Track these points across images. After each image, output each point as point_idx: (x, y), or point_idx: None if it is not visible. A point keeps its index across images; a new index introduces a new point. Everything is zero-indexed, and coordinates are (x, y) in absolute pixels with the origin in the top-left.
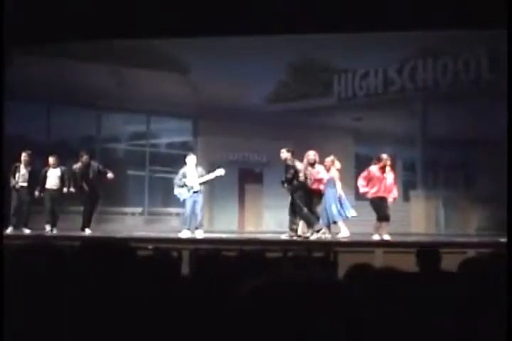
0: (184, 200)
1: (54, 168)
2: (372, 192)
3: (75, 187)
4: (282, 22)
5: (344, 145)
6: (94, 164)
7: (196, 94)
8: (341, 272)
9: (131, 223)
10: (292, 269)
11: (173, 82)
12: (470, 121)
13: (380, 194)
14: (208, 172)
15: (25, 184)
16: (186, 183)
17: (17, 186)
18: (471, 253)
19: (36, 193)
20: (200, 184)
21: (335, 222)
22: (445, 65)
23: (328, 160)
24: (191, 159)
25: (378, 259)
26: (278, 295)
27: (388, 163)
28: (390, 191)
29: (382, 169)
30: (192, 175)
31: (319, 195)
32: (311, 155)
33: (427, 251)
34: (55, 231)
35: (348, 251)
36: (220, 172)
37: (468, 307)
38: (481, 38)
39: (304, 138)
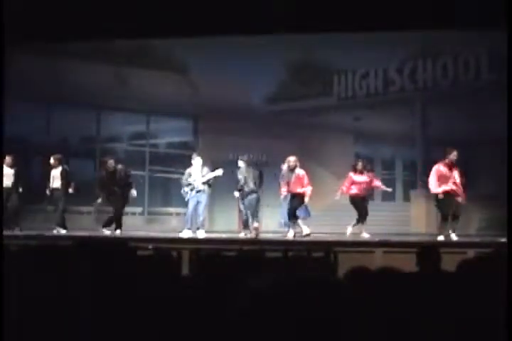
0: (188, 199)
1: (10, 167)
2: (442, 189)
3: (103, 191)
4: (282, 22)
5: (344, 145)
6: (121, 168)
7: (196, 94)
8: (341, 272)
9: (131, 223)
10: (292, 269)
11: (173, 82)
12: (470, 121)
13: (450, 191)
14: (211, 172)
15: (58, 186)
16: (190, 183)
17: (50, 188)
18: (471, 253)
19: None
20: (203, 183)
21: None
22: (445, 64)
23: (292, 159)
24: (197, 160)
25: (378, 259)
26: (278, 295)
27: (455, 158)
28: (459, 187)
29: (449, 165)
30: (196, 175)
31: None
32: (292, 161)
33: (427, 251)
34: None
35: (348, 251)
36: (219, 172)
37: (468, 307)
38: (481, 38)
39: (303, 138)
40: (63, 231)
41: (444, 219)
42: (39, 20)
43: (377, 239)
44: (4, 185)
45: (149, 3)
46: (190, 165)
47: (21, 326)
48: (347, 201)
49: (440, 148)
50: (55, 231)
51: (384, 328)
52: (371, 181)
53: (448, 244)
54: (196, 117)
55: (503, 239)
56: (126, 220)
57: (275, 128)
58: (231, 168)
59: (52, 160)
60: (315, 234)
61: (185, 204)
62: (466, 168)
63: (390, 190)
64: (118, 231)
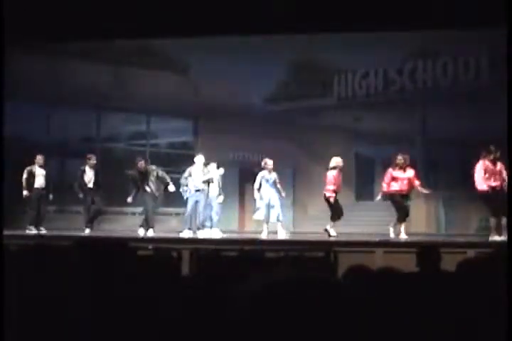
0: (186, 199)
1: (41, 167)
2: (488, 185)
3: (136, 190)
4: (282, 22)
5: (344, 145)
6: (153, 168)
7: (196, 94)
8: (341, 272)
9: (131, 223)
10: (292, 269)
11: (173, 82)
12: (470, 121)
13: (497, 187)
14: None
15: (91, 186)
16: (189, 182)
17: (85, 188)
18: (471, 253)
19: (24, 192)
20: (203, 182)
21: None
22: (445, 64)
23: (340, 160)
24: (199, 158)
25: (378, 259)
26: (278, 295)
27: (498, 154)
28: (502, 182)
29: (494, 161)
30: (197, 174)
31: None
32: (341, 162)
33: (427, 251)
34: (43, 232)
35: (348, 251)
36: (220, 172)
37: (468, 307)
38: (481, 38)
39: (303, 138)
40: (87, 231)
41: (495, 216)
42: (39, 20)
43: (377, 239)
44: (37, 185)
45: (149, 3)
46: (191, 164)
47: (21, 326)
48: (345, 201)
49: (440, 148)
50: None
51: (384, 328)
52: (413, 178)
53: (448, 244)
54: (196, 117)
55: (503, 239)
56: (126, 220)
57: (275, 128)
58: (231, 168)
59: (91, 161)
60: (315, 234)
61: (185, 204)
62: (466, 168)
63: (427, 192)
64: (151, 231)
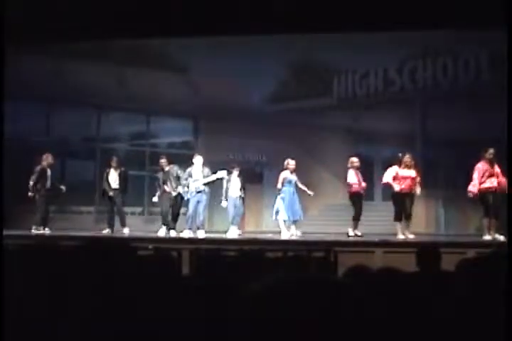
0: (188, 200)
1: (50, 167)
2: (485, 186)
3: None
4: (282, 22)
5: (344, 145)
6: (174, 168)
7: (196, 94)
8: (341, 272)
9: (131, 223)
10: (292, 269)
11: (173, 82)
12: (470, 121)
13: (493, 188)
14: (213, 173)
15: (117, 186)
16: (190, 183)
17: (109, 189)
18: (471, 253)
19: (32, 193)
20: (204, 184)
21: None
22: (445, 65)
23: (356, 160)
24: (198, 159)
25: (378, 259)
26: (278, 295)
27: (492, 156)
28: (499, 184)
29: (491, 163)
30: (197, 175)
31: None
32: (355, 161)
33: (427, 251)
34: (46, 232)
35: (348, 251)
36: (222, 174)
37: (468, 307)
38: (481, 38)
39: (303, 138)
40: (126, 230)
41: (485, 216)
42: (39, 21)
43: (377, 239)
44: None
45: (149, 3)
46: (190, 164)
47: (21, 326)
48: (345, 201)
49: (440, 148)
50: (105, 231)
51: (384, 328)
52: (417, 177)
53: (448, 244)
54: (196, 117)
55: (503, 239)
56: (126, 220)
57: (275, 128)
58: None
59: (113, 163)
60: (315, 234)
61: (186, 204)
62: (466, 168)
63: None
64: (163, 229)
